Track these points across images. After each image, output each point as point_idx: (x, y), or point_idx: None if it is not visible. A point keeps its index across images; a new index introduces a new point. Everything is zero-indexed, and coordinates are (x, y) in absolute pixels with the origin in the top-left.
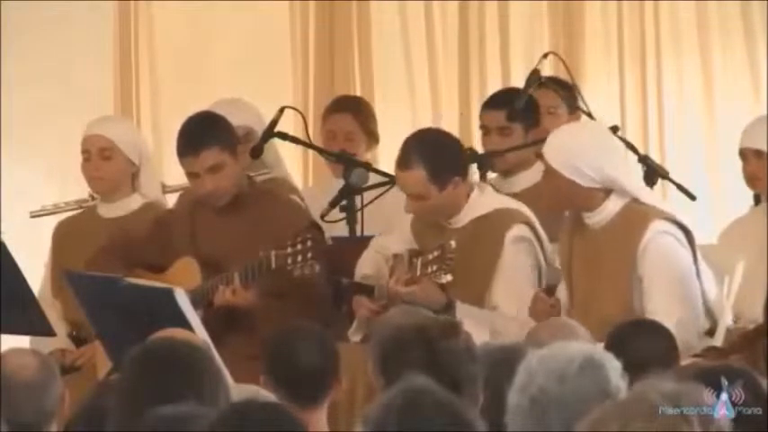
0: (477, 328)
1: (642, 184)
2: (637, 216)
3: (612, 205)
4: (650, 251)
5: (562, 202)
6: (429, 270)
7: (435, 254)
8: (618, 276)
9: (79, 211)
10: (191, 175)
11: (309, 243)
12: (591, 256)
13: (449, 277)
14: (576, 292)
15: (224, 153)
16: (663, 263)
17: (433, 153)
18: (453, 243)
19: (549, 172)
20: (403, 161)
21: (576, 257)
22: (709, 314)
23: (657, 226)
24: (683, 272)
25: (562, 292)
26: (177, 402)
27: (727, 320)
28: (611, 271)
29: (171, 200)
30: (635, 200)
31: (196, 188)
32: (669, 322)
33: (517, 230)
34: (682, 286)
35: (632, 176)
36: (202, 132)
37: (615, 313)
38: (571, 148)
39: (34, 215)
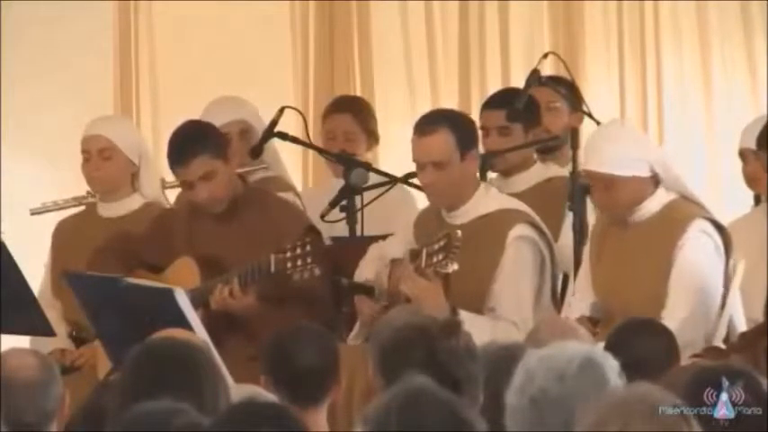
0: (478, 336)
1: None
2: (680, 213)
3: (658, 200)
4: (685, 249)
5: (631, 205)
6: (434, 260)
7: (441, 243)
8: (652, 270)
9: (79, 209)
10: (184, 183)
11: (309, 247)
12: (626, 249)
13: (455, 266)
14: (604, 282)
15: (215, 160)
16: (691, 262)
17: (458, 120)
18: (459, 232)
19: (606, 183)
20: (428, 126)
21: (608, 252)
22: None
23: (699, 225)
24: (708, 275)
25: (582, 280)
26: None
27: (725, 321)
28: (646, 264)
29: (170, 196)
30: (682, 196)
31: (191, 197)
32: (674, 319)
33: (520, 230)
34: (700, 288)
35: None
36: (192, 141)
37: (642, 305)
38: (615, 146)
39: (34, 212)
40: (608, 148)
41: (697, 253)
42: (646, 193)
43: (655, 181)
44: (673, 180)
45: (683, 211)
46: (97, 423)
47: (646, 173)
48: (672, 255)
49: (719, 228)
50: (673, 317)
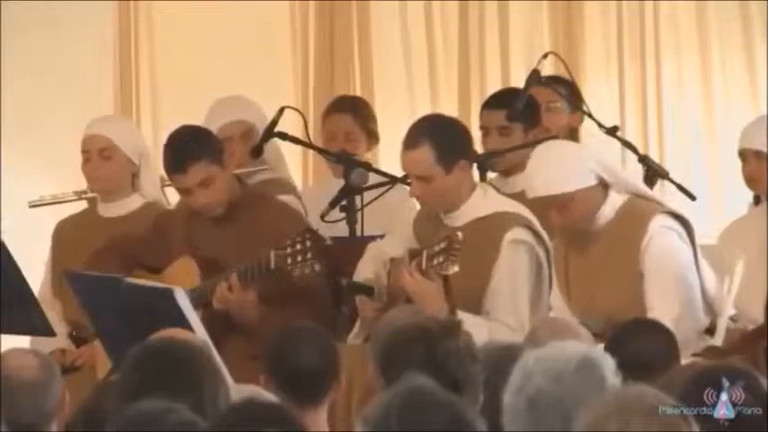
0: (476, 337)
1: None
2: (638, 212)
3: (611, 204)
4: (652, 247)
5: (589, 216)
6: (435, 262)
7: (442, 245)
8: (622, 274)
9: (79, 210)
10: (182, 190)
11: (309, 243)
12: (592, 263)
13: (456, 268)
14: (575, 294)
15: (212, 166)
16: (663, 259)
17: (441, 134)
18: (460, 234)
19: (560, 203)
20: (410, 141)
21: (574, 266)
22: (709, 310)
23: (659, 221)
24: (683, 268)
25: (557, 299)
26: (178, 403)
27: (726, 320)
28: (615, 269)
29: (169, 194)
30: (635, 194)
31: (189, 203)
32: (667, 319)
33: (515, 233)
34: (681, 283)
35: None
36: (188, 148)
37: (618, 311)
38: (556, 165)
39: (32, 205)
40: (550, 170)
41: (665, 249)
42: (599, 200)
43: (604, 186)
44: (621, 181)
45: (640, 209)
46: (97, 423)
47: (593, 181)
48: (639, 256)
49: (678, 217)
50: (664, 318)
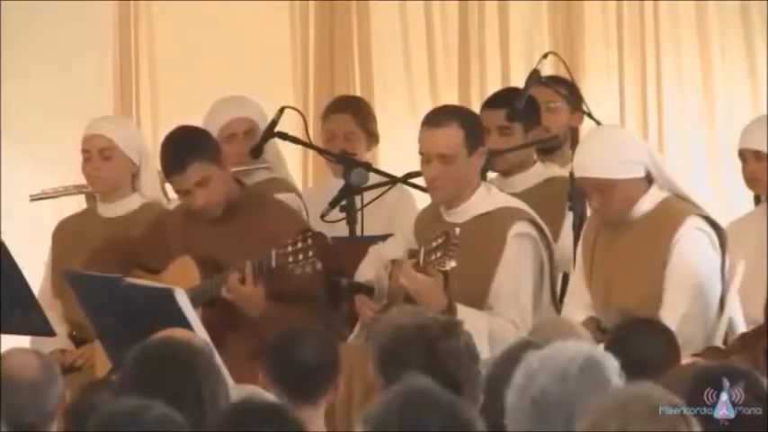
0: (476, 330)
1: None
2: (674, 211)
3: (651, 198)
4: (680, 246)
5: (629, 206)
6: (433, 257)
7: (439, 241)
8: (646, 268)
9: (79, 203)
10: (180, 192)
11: (310, 241)
12: (620, 249)
13: (453, 263)
14: (598, 282)
15: (210, 165)
16: (687, 259)
17: (468, 117)
18: (457, 230)
19: (603, 188)
20: (438, 119)
21: (602, 254)
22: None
23: (693, 222)
24: (705, 272)
25: (577, 281)
26: (178, 402)
27: (725, 320)
28: (642, 262)
29: (170, 191)
30: (675, 194)
31: (188, 204)
32: (674, 316)
33: (520, 227)
34: (698, 285)
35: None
36: (185, 149)
37: (636, 303)
38: (609, 150)
39: (34, 198)
40: (603, 153)
41: (692, 249)
42: (640, 192)
43: (648, 180)
44: (665, 178)
45: (677, 208)
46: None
47: (641, 173)
48: (667, 252)
49: (713, 224)
50: (671, 314)
